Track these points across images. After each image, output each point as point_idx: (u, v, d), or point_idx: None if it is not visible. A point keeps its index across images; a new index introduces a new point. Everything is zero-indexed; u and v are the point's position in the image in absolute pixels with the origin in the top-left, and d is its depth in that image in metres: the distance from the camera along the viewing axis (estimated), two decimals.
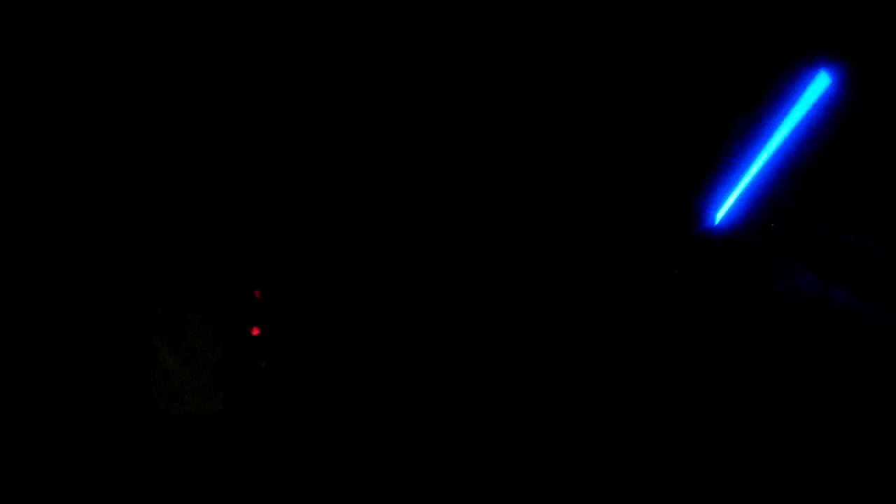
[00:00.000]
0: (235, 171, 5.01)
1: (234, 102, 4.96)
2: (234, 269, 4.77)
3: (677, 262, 5.28)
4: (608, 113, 5.14)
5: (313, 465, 4.82)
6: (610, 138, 5.22)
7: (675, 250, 5.30)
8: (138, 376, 4.50)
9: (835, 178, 5.07)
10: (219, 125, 4.97)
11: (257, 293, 4.85)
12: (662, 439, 5.11)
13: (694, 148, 5.14)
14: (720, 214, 5.20)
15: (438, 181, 5.19)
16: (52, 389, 4.67)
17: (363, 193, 5.15)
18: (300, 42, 4.99)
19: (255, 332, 4.81)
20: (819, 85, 4.90)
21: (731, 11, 4.86)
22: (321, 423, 4.94)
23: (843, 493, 4.95)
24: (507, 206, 5.25)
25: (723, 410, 5.15)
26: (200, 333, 4.55)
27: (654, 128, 5.15)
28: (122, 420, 4.56)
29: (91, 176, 4.86)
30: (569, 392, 5.18)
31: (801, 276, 5.15)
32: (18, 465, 4.54)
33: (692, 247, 5.27)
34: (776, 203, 5.15)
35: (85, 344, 4.69)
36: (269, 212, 5.05)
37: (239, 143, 5.00)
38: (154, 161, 4.91)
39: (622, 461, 5.03)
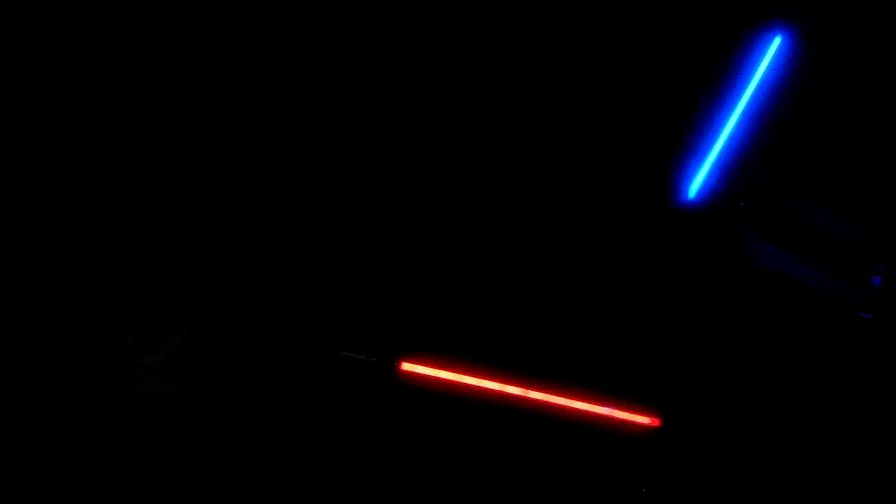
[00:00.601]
0: (213, 161, 5.02)
1: (218, 98, 5.02)
2: (203, 256, 4.85)
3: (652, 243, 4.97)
4: (571, 92, 4.98)
5: (277, 450, 4.75)
6: (575, 118, 4.96)
7: (651, 226, 4.93)
8: (97, 355, 4.62)
9: (801, 151, 4.96)
10: (201, 119, 5.02)
11: None
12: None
13: (662, 121, 4.90)
14: (694, 187, 4.86)
15: (418, 168, 5.08)
16: (12, 369, 4.66)
17: (356, 191, 5.08)
18: (297, 42, 5.04)
19: None
20: (776, 48, 4.87)
21: None
22: (294, 411, 4.83)
23: (821, 475, 4.82)
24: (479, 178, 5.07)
25: (695, 389, 4.95)
26: (163, 315, 4.67)
27: (619, 103, 4.93)
28: (80, 399, 4.60)
29: (61, 167, 4.92)
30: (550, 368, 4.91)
31: (769, 253, 4.93)
32: None
33: (668, 222, 4.90)
34: (745, 182, 4.95)
35: (42, 324, 4.71)
36: (249, 203, 5.02)
37: (217, 135, 5.03)
38: (128, 152, 4.96)
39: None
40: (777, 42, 4.85)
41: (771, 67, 4.86)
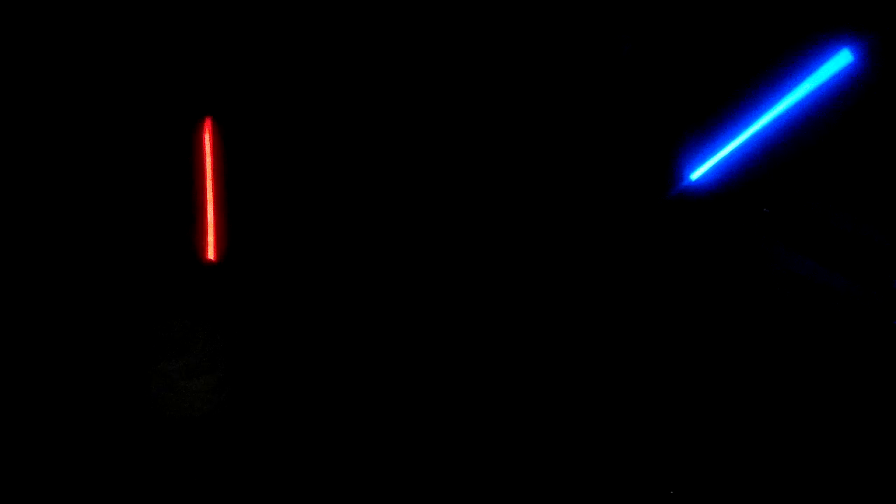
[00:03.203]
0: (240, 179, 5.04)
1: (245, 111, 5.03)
2: (240, 282, 4.92)
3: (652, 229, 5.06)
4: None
5: (313, 470, 4.90)
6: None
7: (651, 211, 5.05)
8: (141, 383, 4.65)
9: (832, 160, 4.82)
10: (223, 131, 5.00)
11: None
12: (649, 422, 5.02)
13: (683, 103, 4.89)
14: (698, 173, 4.90)
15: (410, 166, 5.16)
16: (56, 393, 4.82)
17: (359, 193, 5.15)
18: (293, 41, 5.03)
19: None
20: (838, 61, 4.62)
21: None
22: (323, 429, 5.00)
23: (833, 478, 4.82)
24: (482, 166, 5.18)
25: (708, 391, 5.04)
26: (207, 345, 4.65)
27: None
28: (123, 422, 4.71)
29: (99, 185, 4.96)
30: (558, 375, 5.11)
31: (792, 257, 4.92)
32: (20, 466, 4.70)
33: (667, 207, 5.01)
34: (770, 187, 4.90)
35: (92, 349, 4.84)
36: (273, 219, 5.10)
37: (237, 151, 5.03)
38: (158, 170, 4.98)
39: (612, 445, 4.99)
40: (841, 55, 4.61)
41: (825, 76, 4.66)
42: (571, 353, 5.12)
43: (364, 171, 5.16)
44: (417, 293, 5.17)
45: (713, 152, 4.87)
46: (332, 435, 5.00)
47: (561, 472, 4.93)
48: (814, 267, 4.87)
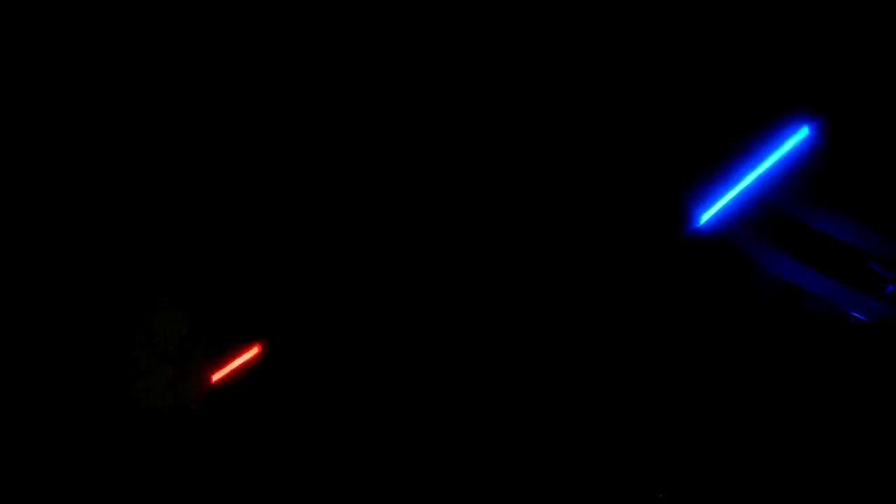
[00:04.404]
0: (209, 162, 5.15)
1: (213, 97, 5.14)
2: (213, 268, 4.79)
3: (662, 263, 6.12)
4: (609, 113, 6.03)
5: (295, 462, 4.88)
6: (608, 139, 6.14)
7: (662, 249, 6.26)
8: (116, 370, 4.46)
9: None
10: (198, 119, 5.15)
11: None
12: (650, 433, 5.30)
13: (686, 154, 6.32)
14: (706, 217, 6.32)
15: (427, 179, 5.55)
16: (29, 385, 4.79)
17: (353, 192, 5.48)
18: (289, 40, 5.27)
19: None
20: (801, 134, 6.27)
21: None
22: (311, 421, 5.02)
23: (827, 483, 5.00)
24: (497, 201, 5.75)
25: (707, 402, 5.39)
26: (177, 329, 4.49)
27: (653, 131, 6.22)
28: (99, 413, 4.59)
29: (63, 169, 5.00)
30: (559, 387, 5.45)
31: (780, 263, 5.56)
32: None
33: (678, 246, 6.27)
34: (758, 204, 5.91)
35: (61, 339, 4.81)
36: (250, 207, 5.19)
37: (216, 136, 5.20)
38: (127, 155, 5.04)
39: (611, 454, 5.18)
40: (803, 131, 6.27)
41: (793, 148, 6.27)
42: (572, 357, 5.49)
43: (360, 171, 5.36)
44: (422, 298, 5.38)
45: (713, 202, 6.33)
46: (325, 432, 5.00)
47: (553, 474, 5.02)
48: (806, 273, 5.48)
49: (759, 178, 6.31)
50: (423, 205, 5.65)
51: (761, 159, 6.34)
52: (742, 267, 5.77)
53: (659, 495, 4.97)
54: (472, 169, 5.76)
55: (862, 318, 5.36)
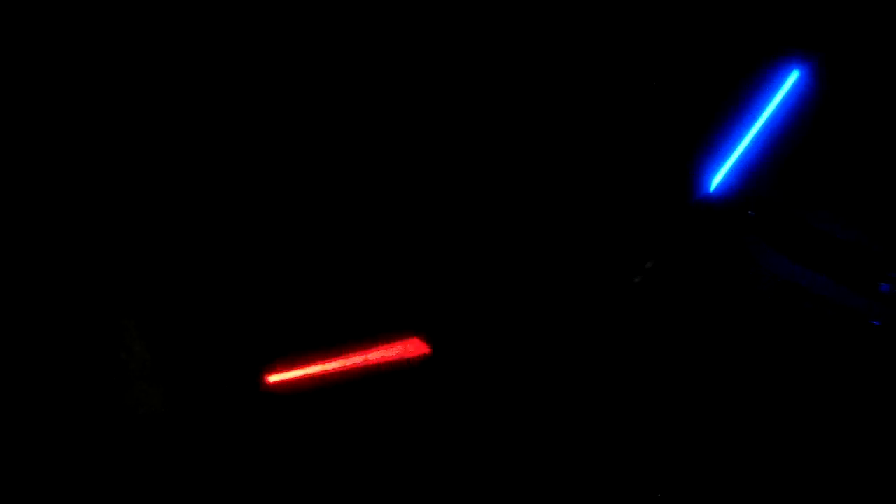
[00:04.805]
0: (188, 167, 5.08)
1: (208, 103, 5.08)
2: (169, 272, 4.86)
3: (654, 250, 5.78)
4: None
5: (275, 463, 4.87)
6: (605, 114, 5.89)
7: (671, 220, 5.89)
8: (108, 377, 4.55)
9: (812, 164, 5.78)
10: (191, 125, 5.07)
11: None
12: (650, 432, 5.24)
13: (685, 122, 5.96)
14: (715, 182, 5.95)
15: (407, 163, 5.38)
16: (29, 389, 4.73)
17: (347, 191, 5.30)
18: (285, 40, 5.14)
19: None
20: (792, 78, 5.98)
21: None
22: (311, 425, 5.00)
23: (827, 483, 5.03)
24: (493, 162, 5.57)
25: (707, 402, 5.32)
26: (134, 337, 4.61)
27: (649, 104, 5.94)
28: (96, 419, 4.62)
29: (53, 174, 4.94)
30: (559, 387, 5.33)
31: (778, 261, 5.46)
32: None
33: (688, 217, 5.90)
34: (755, 193, 5.79)
35: (44, 342, 4.75)
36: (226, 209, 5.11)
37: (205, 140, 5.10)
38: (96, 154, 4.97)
39: (611, 454, 5.14)
40: (795, 75, 5.98)
41: (787, 94, 5.97)
42: (572, 357, 5.36)
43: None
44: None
45: (720, 164, 5.98)
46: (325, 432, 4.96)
47: (553, 474, 4.99)
48: (798, 269, 5.37)
49: (760, 132, 6.00)
50: (424, 203, 5.48)
51: (759, 111, 6.03)
52: (742, 267, 5.60)
53: (658, 495, 4.98)
54: (468, 136, 5.57)
55: (862, 318, 5.32)
